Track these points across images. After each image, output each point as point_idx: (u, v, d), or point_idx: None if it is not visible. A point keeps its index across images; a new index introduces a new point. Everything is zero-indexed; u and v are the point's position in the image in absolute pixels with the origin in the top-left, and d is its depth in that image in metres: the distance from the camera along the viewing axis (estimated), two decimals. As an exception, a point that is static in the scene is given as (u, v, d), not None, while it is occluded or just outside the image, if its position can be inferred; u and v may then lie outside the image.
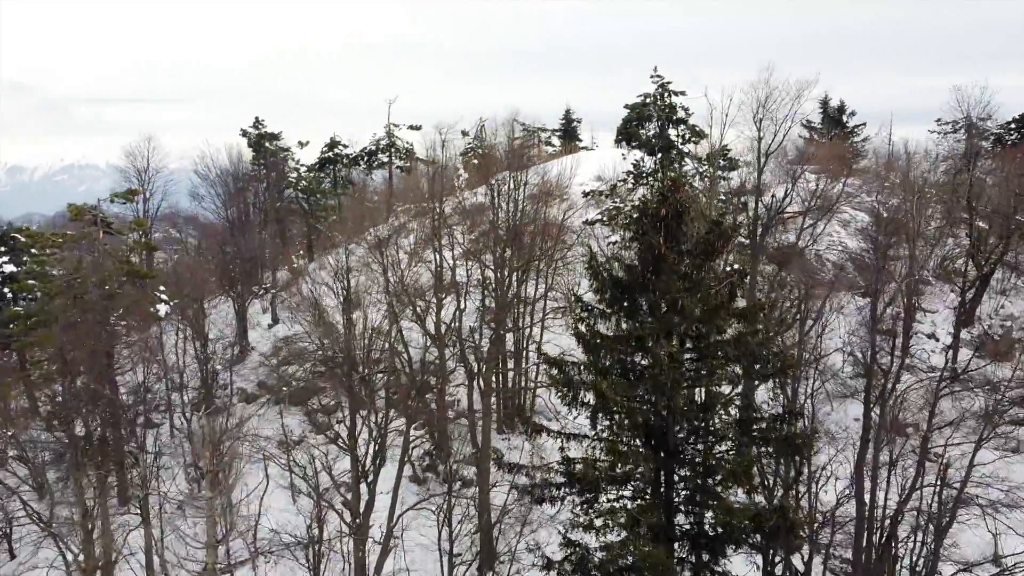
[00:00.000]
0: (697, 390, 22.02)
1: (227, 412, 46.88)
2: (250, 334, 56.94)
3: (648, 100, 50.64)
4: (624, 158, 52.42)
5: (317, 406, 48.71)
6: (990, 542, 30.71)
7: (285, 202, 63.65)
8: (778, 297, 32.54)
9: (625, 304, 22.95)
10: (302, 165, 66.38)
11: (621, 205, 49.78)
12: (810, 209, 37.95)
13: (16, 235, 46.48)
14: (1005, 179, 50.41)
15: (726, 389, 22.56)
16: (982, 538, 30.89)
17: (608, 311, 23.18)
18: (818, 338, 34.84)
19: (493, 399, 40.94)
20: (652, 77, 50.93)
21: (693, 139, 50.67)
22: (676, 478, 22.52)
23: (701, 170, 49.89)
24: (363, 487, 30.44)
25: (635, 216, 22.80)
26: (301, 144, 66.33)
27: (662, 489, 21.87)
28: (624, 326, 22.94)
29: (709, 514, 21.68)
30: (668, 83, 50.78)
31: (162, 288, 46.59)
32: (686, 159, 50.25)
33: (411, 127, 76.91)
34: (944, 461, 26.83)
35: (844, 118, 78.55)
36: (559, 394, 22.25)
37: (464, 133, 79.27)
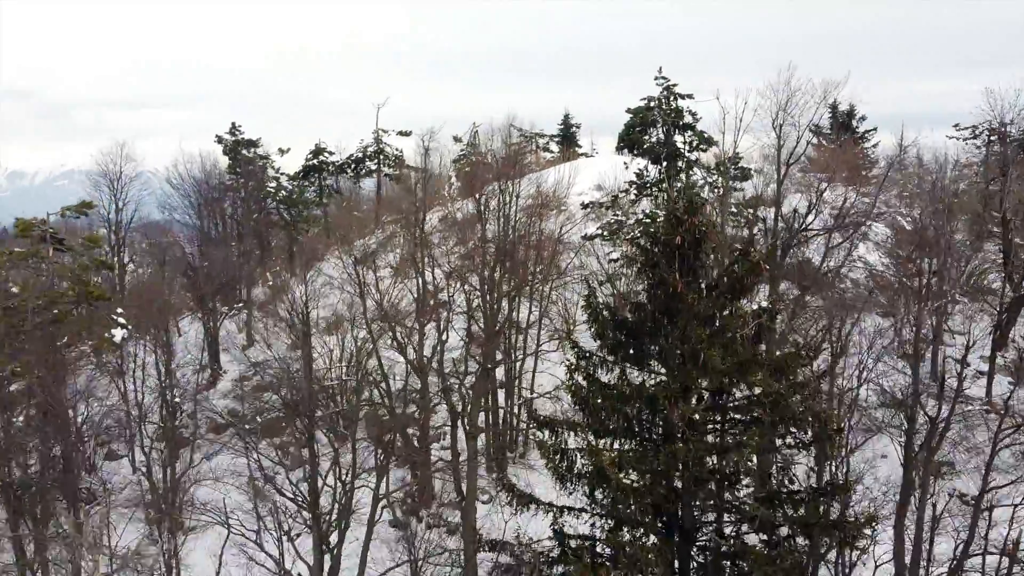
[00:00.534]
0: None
1: (191, 446, 42.92)
2: (223, 356, 52.88)
3: (652, 104, 46.60)
4: (626, 167, 48.30)
5: (290, 440, 44.58)
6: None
7: (264, 213, 59.51)
8: (814, 341, 28.40)
9: (631, 351, 18.82)
10: (283, 173, 62.27)
11: (623, 218, 45.68)
12: (838, 226, 33.81)
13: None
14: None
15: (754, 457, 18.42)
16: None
17: (610, 359, 19.07)
18: (845, 372, 30.72)
19: (482, 436, 36.93)
20: (656, 79, 46.95)
21: (701, 146, 46.60)
22: (693, 564, 18.36)
23: (711, 180, 45.81)
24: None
25: (644, 244, 18.65)
26: (282, 151, 62.33)
27: (676, 581, 17.73)
28: (630, 378, 18.81)
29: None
30: (674, 85, 46.77)
31: (120, 311, 42.38)
32: (694, 168, 46.15)
33: (401, 133, 72.85)
34: (1017, 538, 22.62)
35: (854, 123, 74.47)
36: (549, 465, 18.08)
37: (457, 139, 75.25)
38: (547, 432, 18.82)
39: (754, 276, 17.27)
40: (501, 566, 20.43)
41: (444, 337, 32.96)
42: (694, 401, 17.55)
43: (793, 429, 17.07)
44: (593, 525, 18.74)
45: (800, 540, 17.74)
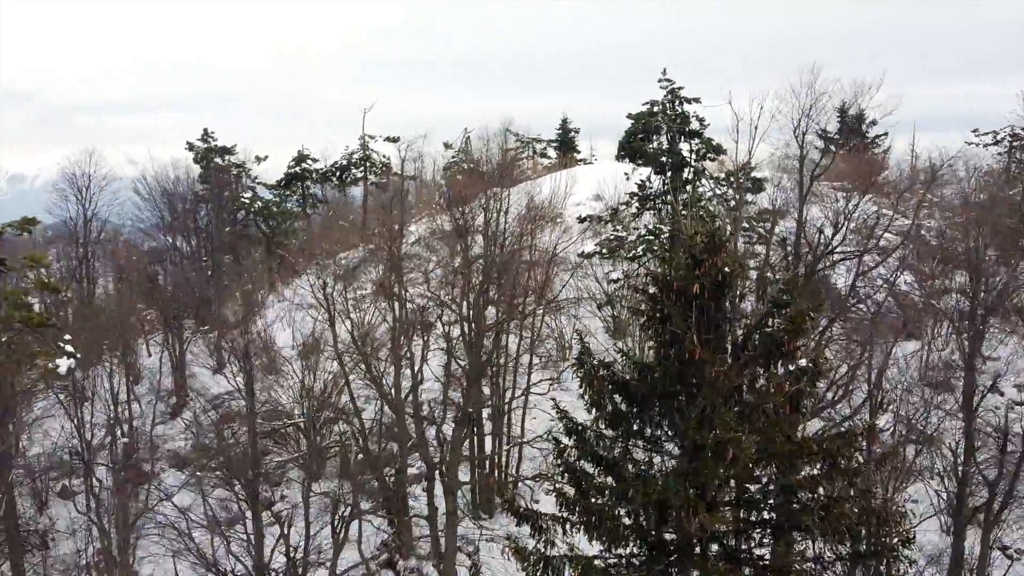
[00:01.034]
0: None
1: (147, 487, 38.95)
2: (191, 382, 48.80)
3: (656, 109, 42.54)
4: (627, 177, 44.23)
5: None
6: None
7: (238, 226, 55.40)
8: (842, 380, 24.32)
9: (637, 424, 14.75)
10: (260, 183, 58.09)
11: (624, 234, 41.59)
12: (870, 249, 29.67)
13: None
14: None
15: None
16: None
17: (609, 433, 15.01)
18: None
19: (467, 472, 32.86)
20: (660, 81, 42.89)
21: (709, 155, 42.53)
22: None
23: (719, 192, 41.75)
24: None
25: (652, 292, 14.56)
26: (259, 159, 58.10)
27: None
28: (634, 455, 14.76)
29: None
30: (679, 88, 42.69)
31: (67, 337, 38.21)
32: (702, 179, 42.08)
33: (388, 139, 68.74)
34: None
35: (864, 127, 70.34)
36: (530, 580, 13.95)
37: (447, 145, 71.25)
38: (528, 528, 14.74)
39: (796, 335, 13.17)
40: None
41: (419, 377, 28.82)
42: (714, 495, 13.50)
43: (848, 541, 12.97)
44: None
45: None
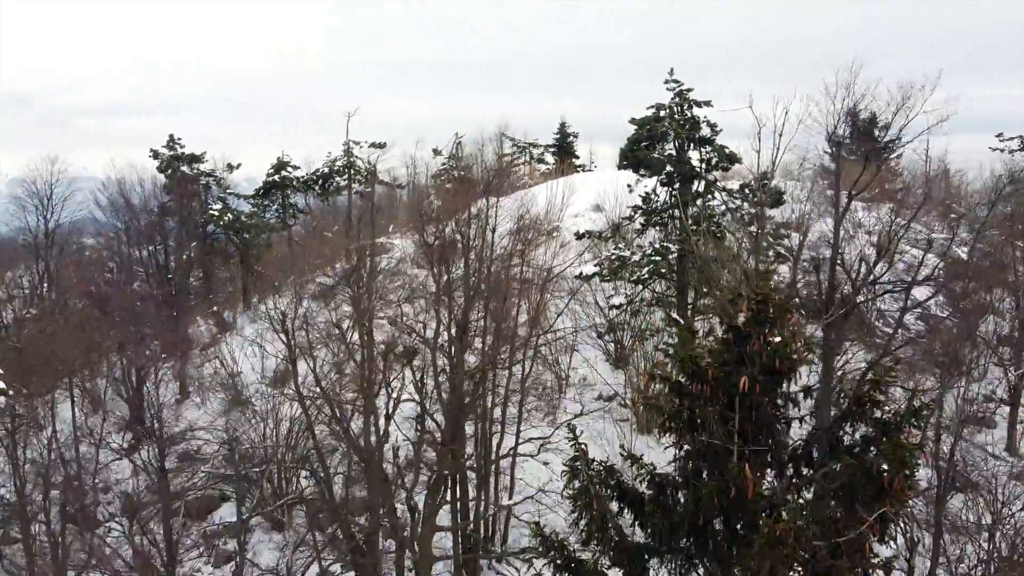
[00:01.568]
0: None
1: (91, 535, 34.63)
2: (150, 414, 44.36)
3: (663, 113, 38.14)
4: (630, 189, 39.85)
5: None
6: None
7: (207, 241, 51.01)
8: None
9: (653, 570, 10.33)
10: (231, 192, 53.67)
11: (626, 253, 37.19)
12: (920, 280, 25.24)
13: None
14: None
15: None
16: None
17: None
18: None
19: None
20: (667, 83, 38.47)
21: (722, 164, 38.13)
22: None
23: (733, 206, 37.35)
24: None
25: (677, 379, 10.16)
26: (231, 167, 53.67)
27: None
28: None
29: None
30: (688, 90, 38.30)
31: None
32: (713, 191, 37.66)
33: (374, 145, 64.32)
34: None
35: (877, 132, 65.72)
36: None
37: (436, 152, 66.97)
38: None
39: (900, 470, 8.78)
40: None
41: (383, 434, 24.37)
42: None
43: None
44: None
45: None
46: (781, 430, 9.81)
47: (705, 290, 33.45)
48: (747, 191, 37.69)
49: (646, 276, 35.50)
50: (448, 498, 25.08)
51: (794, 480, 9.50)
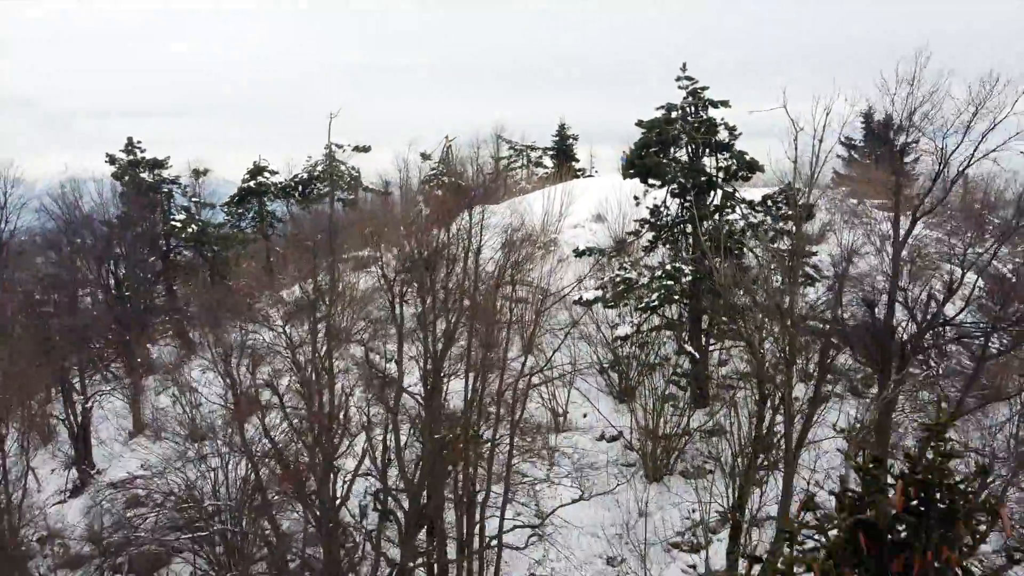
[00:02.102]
0: None
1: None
2: (98, 451, 39.85)
3: (674, 114, 33.54)
4: (637, 202, 35.19)
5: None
6: None
7: (169, 254, 46.38)
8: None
9: None
10: (195, 201, 49.03)
11: (633, 275, 32.61)
12: (1002, 325, 20.55)
13: None
14: None
15: None
16: None
17: None
18: None
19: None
20: (679, 80, 33.86)
21: (742, 173, 33.52)
22: None
23: (755, 220, 32.77)
24: None
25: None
26: (197, 173, 49.01)
27: None
28: None
29: None
30: (703, 89, 33.73)
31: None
32: (732, 204, 33.05)
33: (358, 148, 59.90)
34: None
35: (891, 135, 61.03)
36: None
37: (425, 156, 62.51)
38: None
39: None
40: None
41: (337, 503, 19.78)
42: None
43: None
44: None
45: None
46: None
47: (725, 319, 28.90)
48: (770, 203, 33.15)
49: (656, 303, 30.89)
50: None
51: None
